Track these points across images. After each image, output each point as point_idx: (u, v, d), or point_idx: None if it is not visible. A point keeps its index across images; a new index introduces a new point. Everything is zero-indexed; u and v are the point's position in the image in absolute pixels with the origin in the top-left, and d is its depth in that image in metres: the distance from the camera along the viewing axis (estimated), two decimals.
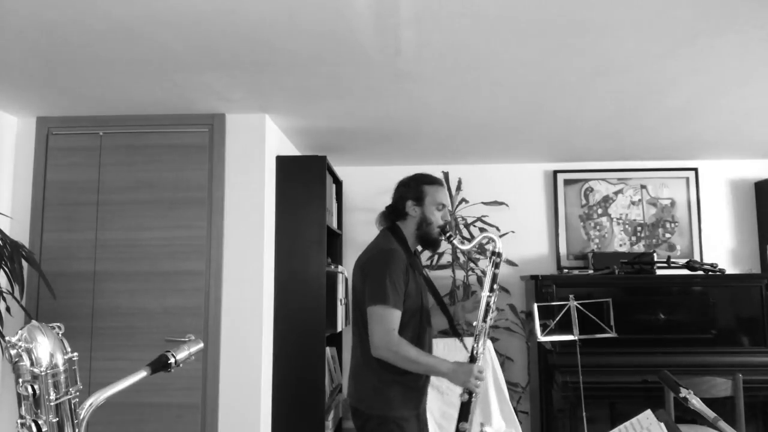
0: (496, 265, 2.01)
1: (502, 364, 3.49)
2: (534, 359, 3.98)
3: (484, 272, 3.92)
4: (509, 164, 4.45)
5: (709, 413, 1.31)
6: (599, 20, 2.02)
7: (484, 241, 2.13)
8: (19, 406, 0.88)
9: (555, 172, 4.40)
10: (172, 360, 1.09)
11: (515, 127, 3.44)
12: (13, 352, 0.87)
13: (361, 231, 4.30)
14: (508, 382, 3.35)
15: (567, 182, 4.40)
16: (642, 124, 3.37)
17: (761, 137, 3.70)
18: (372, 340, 1.90)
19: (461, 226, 4.18)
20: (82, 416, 0.91)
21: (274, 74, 2.55)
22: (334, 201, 3.99)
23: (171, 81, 2.63)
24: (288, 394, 3.17)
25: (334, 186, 3.92)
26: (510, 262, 4.25)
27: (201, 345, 1.17)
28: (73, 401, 0.91)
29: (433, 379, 2.28)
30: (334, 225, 3.90)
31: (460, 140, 3.76)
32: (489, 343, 3.23)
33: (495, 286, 2.01)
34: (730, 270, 4.19)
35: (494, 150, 4.03)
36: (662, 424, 1.27)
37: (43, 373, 0.87)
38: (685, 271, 3.87)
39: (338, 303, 3.56)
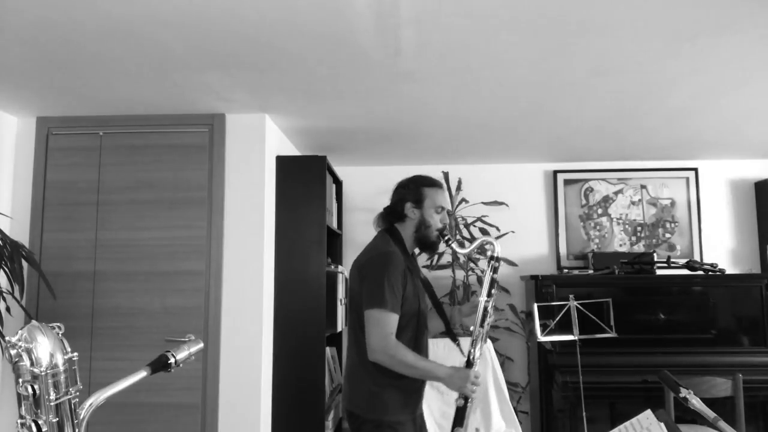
0: (495, 270, 2.00)
1: (502, 364, 3.49)
2: (534, 359, 3.98)
3: (484, 272, 3.91)
4: (509, 164, 4.45)
5: (709, 413, 1.31)
6: (599, 20, 2.02)
7: (481, 247, 2.12)
8: (19, 406, 0.88)
9: (555, 172, 4.40)
10: (172, 360, 1.09)
11: (515, 127, 3.44)
12: (13, 352, 0.87)
13: (361, 231, 4.29)
14: (508, 382, 3.35)
15: (567, 182, 4.40)
16: (642, 124, 3.37)
17: (761, 137, 3.70)
18: (369, 343, 1.89)
19: (461, 226, 4.18)
20: (82, 416, 0.91)
21: (274, 74, 2.55)
22: (334, 201, 3.99)
23: (171, 81, 2.63)
24: (288, 394, 3.17)
25: (334, 186, 3.92)
26: (510, 262, 4.25)
27: (201, 345, 1.17)
28: (73, 401, 0.91)
29: None
30: (334, 225, 3.90)
31: (460, 140, 3.76)
32: (489, 342, 3.23)
33: (493, 291, 2.00)
34: (730, 270, 4.19)
35: (494, 150, 4.03)
36: (662, 424, 1.27)
37: (43, 373, 0.87)
38: (685, 271, 3.87)
39: (338, 303, 3.56)
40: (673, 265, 3.93)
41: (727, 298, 3.71)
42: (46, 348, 0.88)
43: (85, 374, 2.91)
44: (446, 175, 4.27)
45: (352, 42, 2.19)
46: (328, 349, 3.34)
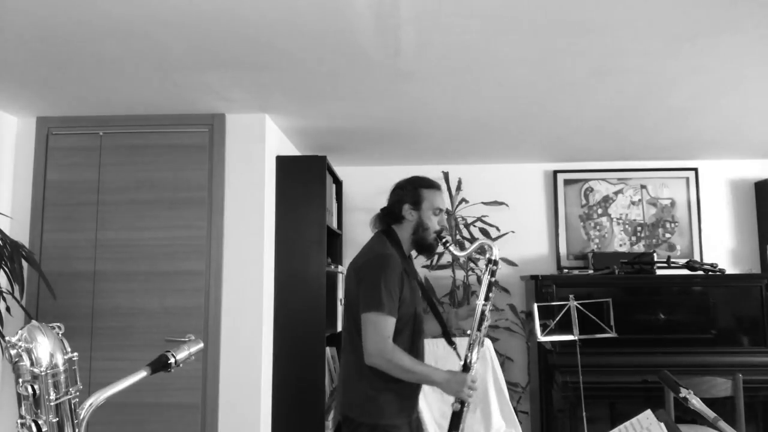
0: (492, 273, 1.98)
1: (502, 364, 3.49)
2: (534, 359, 3.98)
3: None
4: (509, 164, 4.45)
5: (709, 413, 1.31)
6: (599, 20, 2.02)
7: (480, 250, 2.09)
8: (19, 406, 0.88)
9: (555, 172, 4.40)
10: (172, 360, 1.09)
11: (515, 127, 3.44)
12: (13, 352, 0.87)
13: (361, 231, 4.29)
14: (508, 382, 3.35)
15: (567, 182, 4.40)
16: (642, 124, 3.37)
17: (761, 137, 3.70)
18: (366, 347, 1.87)
19: (461, 226, 4.18)
20: (82, 416, 0.91)
21: (274, 74, 2.55)
22: (334, 201, 3.99)
23: (171, 81, 2.63)
24: (288, 394, 3.17)
25: (334, 186, 3.92)
26: (510, 262, 4.25)
27: (201, 345, 1.17)
28: (73, 401, 0.91)
29: None
30: (334, 225, 3.90)
31: (460, 140, 3.76)
32: (489, 342, 3.22)
33: (491, 294, 1.98)
34: (730, 270, 4.19)
35: (494, 150, 4.03)
36: (662, 424, 1.27)
37: (43, 373, 0.87)
38: (685, 271, 3.87)
39: (338, 303, 3.56)
40: (673, 265, 3.93)
41: (727, 298, 3.71)
42: (46, 348, 0.88)
43: (85, 374, 2.91)
44: (446, 175, 4.27)
45: (352, 42, 2.19)
46: (328, 349, 3.34)
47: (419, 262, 4.03)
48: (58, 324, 0.92)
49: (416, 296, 2.06)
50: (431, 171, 4.12)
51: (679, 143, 3.86)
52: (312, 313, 3.21)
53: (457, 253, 2.08)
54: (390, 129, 3.45)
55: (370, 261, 1.96)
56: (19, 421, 0.87)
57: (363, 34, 2.13)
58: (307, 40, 2.18)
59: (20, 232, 3.02)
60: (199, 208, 3.05)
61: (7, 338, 0.89)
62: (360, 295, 1.92)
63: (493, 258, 1.99)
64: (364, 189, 4.42)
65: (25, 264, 2.67)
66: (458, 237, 4.11)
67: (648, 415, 1.31)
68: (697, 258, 4.22)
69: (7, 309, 2.70)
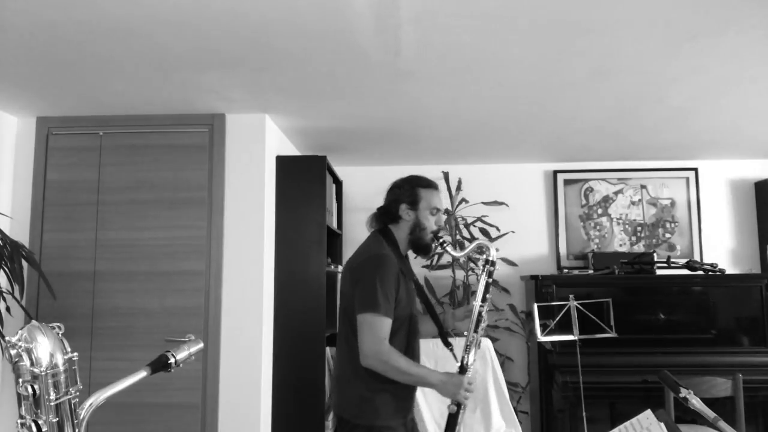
0: (490, 274, 1.97)
1: (502, 364, 3.49)
2: (534, 359, 3.98)
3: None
4: (509, 164, 4.45)
5: (709, 413, 1.31)
6: (599, 20, 2.02)
7: (478, 250, 2.07)
8: (19, 406, 0.88)
9: (555, 172, 4.40)
10: (172, 360, 1.09)
11: (515, 127, 3.44)
12: (13, 352, 0.87)
13: (361, 231, 4.24)
14: (508, 382, 3.35)
15: (567, 182, 4.40)
16: (642, 124, 3.37)
17: (761, 137, 3.70)
18: (361, 348, 1.84)
19: (461, 226, 4.18)
20: (82, 416, 0.91)
21: (274, 74, 2.55)
22: (334, 201, 3.99)
23: (171, 81, 2.63)
24: (288, 394, 3.17)
25: (334, 186, 3.92)
26: (510, 262, 4.25)
27: (201, 345, 1.17)
28: (73, 401, 0.91)
29: None
30: (334, 225, 3.90)
31: (460, 140, 3.76)
32: (489, 342, 3.22)
33: (488, 296, 1.96)
34: (730, 270, 4.19)
35: (494, 150, 4.03)
36: (662, 424, 1.27)
37: (43, 373, 0.87)
38: (685, 271, 3.87)
39: (338, 303, 3.56)
40: (673, 265, 3.93)
41: (727, 298, 3.71)
42: (46, 348, 0.88)
43: (85, 374, 2.91)
44: (446, 175, 4.27)
45: (352, 42, 2.19)
46: (328, 349, 3.34)
47: (419, 262, 4.05)
48: (58, 324, 0.92)
49: (412, 297, 2.04)
50: (431, 171, 4.12)
51: (679, 143, 3.86)
52: (312, 313, 3.21)
53: (455, 253, 2.07)
54: (390, 129, 3.45)
55: (367, 261, 1.94)
56: (19, 421, 0.87)
57: (363, 34, 2.13)
58: (307, 40, 2.18)
59: (20, 232, 3.02)
60: (199, 208, 3.05)
61: (7, 338, 0.89)
62: (356, 295, 1.90)
63: (490, 259, 1.97)
64: (364, 189, 4.42)
65: (25, 264, 2.67)
66: (458, 237, 4.11)
67: (648, 415, 1.31)
68: (697, 258, 4.22)
69: (7, 309, 2.70)
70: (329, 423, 3.36)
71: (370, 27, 2.06)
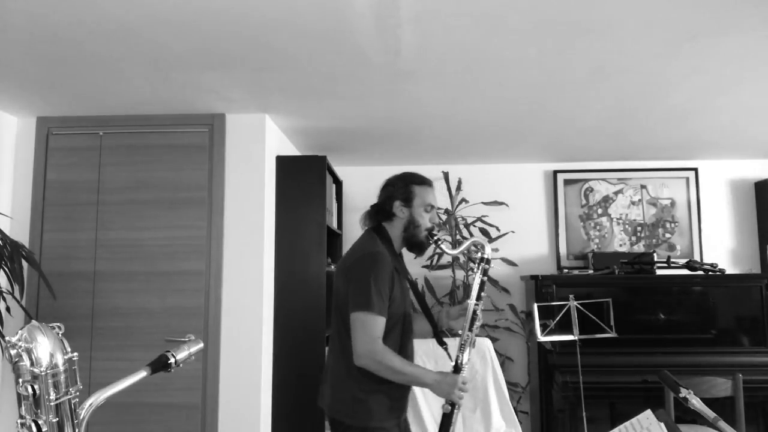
0: (485, 272, 1.95)
1: (502, 364, 3.49)
2: (534, 359, 3.98)
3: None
4: (509, 164, 4.45)
5: (709, 413, 1.31)
6: (599, 20, 2.02)
7: (473, 248, 2.05)
8: (19, 406, 0.88)
9: (555, 172, 4.40)
10: (172, 360, 1.09)
11: (515, 127, 3.44)
12: (13, 352, 0.87)
13: (360, 231, 4.28)
14: (508, 382, 3.35)
15: (567, 182, 4.40)
16: (642, 124, 3.38)
17: (761, 137, 3.70)
18: (355, 348, 1.82)
19: (461, 226, 4.18)
20: (82, 416, 0.92)
21: (274, 74, 2.55)
22: (334, 201, 3.99)
23: (171, 81, 2.63)
24: (288, 394, 3.17)
25: (334, 186, 3.92)
26: (510, 262, 4.25)
27: (201, 345, 1.17)
28: (73, 401, 0.91)
29: None
30: (334, 225, 3.90)
31: (460, 140, 3.76)
32: (489, 342, 3.22)
33: (483, 294, 1.94)
34: (730, 270, 4.19)
35: (494, 150, 4.03)
36: (662, 424, 1.27)
37: (43, 373, 0.87)
38: (685, 271, 3.87)
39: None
40: (673, 265, 3.93)
41: (727, 298, 3.70)
42: (46, 348, 0.88)
43: (85, 374, 2.91)
44: (446, 175, 4.27)
45: (352, 42, 2.19)
46: (328, 349, 3.34)
47: (419, 262, 4.05)
48: (58, 324, 0.92)
49: (406, 295, 2.02)
50: (431, 171, 4.11)
51: (679, 143, 3.86)
52: (312, 313, 3.21)
53: (449, 251, 2.05)
54: (390, 129, 3.45)
55: (360, 259, 1.92)
56: (19, 421, 0.87)
57: (363, 35, 2.13)
58: (307, 40, 2.18)
59: (20, 232, 3.02)
60: (199, 208, 3.05)
61: (7, 338, 0.89)
62: (349, 294, 1.87)
63: (485, 256, 1.95)
64: (364, 189, 4.40)
65: (25, 264, 2.67)
66: (458, 237, 4.11)
67: (648, 415, 1.31)
68: (697, 258, 4.22)
69: (7, 309, 2.70)
70: (329, 423, 3.35)
71: (370, 27, 2.06)
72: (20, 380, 0.87)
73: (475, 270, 1.98)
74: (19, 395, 0.87)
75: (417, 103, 2.97)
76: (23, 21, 2.02)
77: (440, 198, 4.20)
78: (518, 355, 4.26)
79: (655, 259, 3.89)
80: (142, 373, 1.03)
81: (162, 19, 2.01)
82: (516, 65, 2.45)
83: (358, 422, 1.88)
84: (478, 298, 1.94)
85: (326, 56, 2.34)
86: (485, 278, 1.96)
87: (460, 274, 4.11)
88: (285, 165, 3.33)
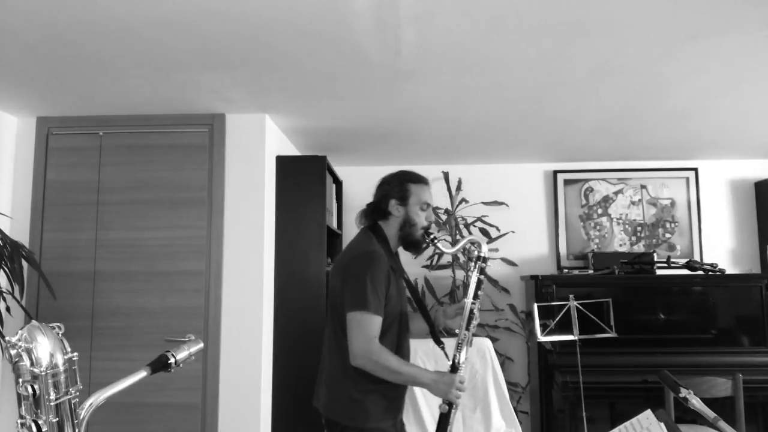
0: (481, 270, 1.94)
1: (502, 364, 3.49)
2: (534, 359, 3.98)
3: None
4: (509, 164, 4.45)
5: (709, 413, 1.31)
6: (599, 20, 2.02)
7: (468, 246, 2.04)
8: (19, 406, 0.88)
9: (555, 172, 4.40)
10: (172, 360, 1.09)
11: (515, 127, 3.44)
12: (13, 352, 0.87)
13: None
14: (508, 382, 3.35)
15: (567, 182, 4.40)
16: (642, 124, 3.37)
17: (761, 137, 3.70)
18: (351, 347, 1.81)
19: (461, 226, 4.18)
20: (82, 416, 0.92)
21: (274, 74, 2.55)
22: (334, 201, 3.99)
23: (171, 81, 2.63)
24: (288, 394, 3.17)
25: (334, 186, 3.92)
26: (510, 262, 4.25)
27: (201, 345, 1.17)
28: (73, 401, 0.91)
29: None
30: (334, 225, 3.90)
31: (460, 140, 3.76)
32: (489, 342, 3.22)
33: (480, 293, 1.93)
34: (730, 270, 4.20)
35: (494, 150, 4.03)
36: (662, 424, 1.27)
37: (43, 373, 0.87)
38: (685, 271, 3.87)
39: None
40: (673, 265, 3.93)
41: (727, 298, 3.71)
42: (46, 348, 0.88)
43: (85, 374, 2.91)
44: (446, 175, 4.27)
45: (352, 42, 2.19)
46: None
47: (419, 261, 4.05)
48: (58, 324, 0.92)
49: (403, 294, 2.01)
50: (431, 171, 4.12)
51: (679, 143, 3.86)
52: (312, 313, 3.21)
53: (445, 249, 2.03)
54: (390, 129, 3.45)
55: (356, 258, 1.90)
56: (19, 421, 0.87)
57: (363, 34, 2.13)
58: (307, 40, 2.18)
59: (20, 232, 3.02)
60: (199, 208, 3.05)
61: (7, 338, 0.89)
62: (345, 293, 1.86)
63: (481, 255, 1.94)
64: (364, 189, 4.36)
65: (25, 264, 2.67)
66: (458, 237, 4.11)
67: (648, 415, 1.31)
68: (697, 258, 4.22)
69: (7, 309, 2.70)
70: None
71: (370, 27, 2.06)
72: (20, 380, 0.87)
73: (472, 268, 1.97)
74: (19, 395, 0.87)
75: (417, 103, 2.97)
76: (23, 21, 2.02)
77: (440, 198, 4.23)
78: (518, 355, 4.26)
79: (655, 259, 3.89)
80: (142, 373, 1.03)
81: (162, 19, 2.01)
82: (516, 65, 2.45)
83: (354, 423, 1.87)
84: (475, 296, 1.93)
85: (326, 56, 2.34)
86: (482, 276, 1.95)
87: (460, 274, 4.11)
88: (285, 165, 3.33)
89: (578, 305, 3.19)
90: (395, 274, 1.95)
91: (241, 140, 3.11)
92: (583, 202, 4.38)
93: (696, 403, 1.33)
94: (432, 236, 1.99)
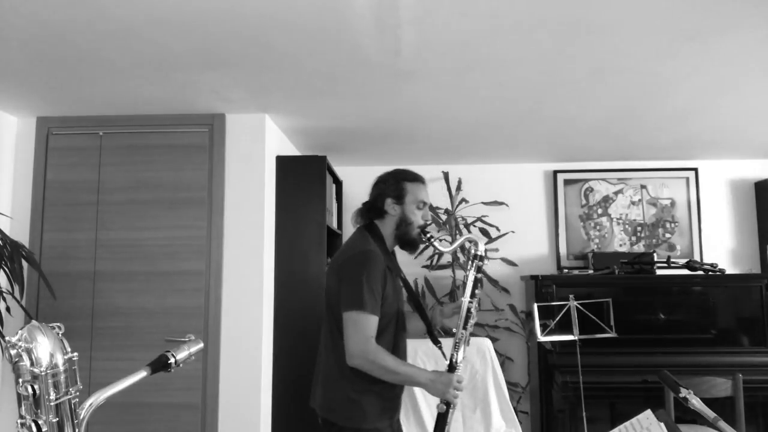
0: (478, 269, 1.93)
1: (502, 364, 3.49)
2: (534, 359, 3.98)
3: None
4: (509, 164, 4.45)
5: (709, 413, 1.31)
6: (599, 20, 2.02)
7: (466, 245, 2.03)
8: (19, 406, 0.88)
9: (555, 172, 4.40)
10: (172, 360, 1.09)
11: (515, 127, 3.44)
12: (13, 352, 0.87)
13: None
14: (508, 382, 3.35)
15: (567, 182, 4.40)
16: (642, 124, 3.37)
17: (761, 137, 3.70)
18: (348, 347, 1.80)
19: (461, 226, 4.18)
20: (82, 416, 0.92)
21: (274, 74, 2.55)
22: (334, 201, 3.99)
23: (171, 81, 2.63)
24: (288, 394, 3.17)
25: (334, 186, 3.92)
26: (510, 262, 4.25)
27: (201, 345, 1.17)
28: (73, 401, 0.91)
29: None
30: (334, 225, 3.90)
31: (460, 140, 3.76)
32: (489, 342, 3.22)
33: (477, 291, 1.92)
34: (730, 270, 4.19)
35: (494, 150, 4.03)
36: (662, 424, 1.27)
37: (43, 373, 0.87)
38: (685, 271, 3.87)
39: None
40: (673, 265, 3.93)
41: (727, 298, 3.71)
42: (46, 348, 0.88)
43: (85, 374, 2.91)
44: (446, 175, 4.27)
45: (352, 42, 2.19)
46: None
47: (419, 261, 4.05)
48: (58, 324, 0.92)
49: (399, 293, 2.00)
50: (431, 171, 4.13)
51: (679, 143, 3.86)
52: (312, 313, 3.21)
53: (442, 248, 2.02)
54: (390, 129, 3.45)
55: (352, 258, 1.89)
56: (19, 421, 0.87)
57: (363, 34, 2.13)
58: (307, 40, 2.18)
59: (20, 232, 3.02)
60: (199, 208, 3.05)
61: (7, 338, 0.89)
62: (341, 293, 1.85)
63: (478, 253, 1.93)
64: (364, 189, 4.34)
65: (25, 264, 2.67)
66: (457, 237, 4.11)
67: (648, 415, 1.31)
68: (697, 258, 4.22)
69: (7, 309, 2.70)
70: None
71: (370, 27, 2.06)
72: (20, 380, 0.87)
73: (469, 267, 1.95)
74: (19, 395, 0.87)
75: (417, 103, 2.97)
76: (23, 21, 2.02)
77: (440, 198, 4.23)
78: (518, 355, 4.26)
79: (655, 259, 3.89)
80: (142, 373, 1.03)
81: (162, 19, 2.01)
82: (516, 65, 2.45)
83: (351, 423, 1.86)
84: (472, 295, 1.92)
85: (326, 56, 2.34)
86: (479, 275, 1.94)
87: (460, 273, 4.11)
88: (285, 165, 3.33)
89: (578, 305, 3.18)
90: (391, 274, 1.94)
91: (241, 140, 3.11)
92: (583, 202, 4.38)
93: (696, 403, 1.33)
94: (429, 235, 1.98)
